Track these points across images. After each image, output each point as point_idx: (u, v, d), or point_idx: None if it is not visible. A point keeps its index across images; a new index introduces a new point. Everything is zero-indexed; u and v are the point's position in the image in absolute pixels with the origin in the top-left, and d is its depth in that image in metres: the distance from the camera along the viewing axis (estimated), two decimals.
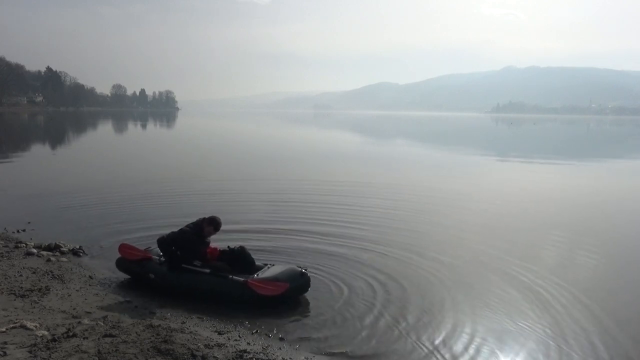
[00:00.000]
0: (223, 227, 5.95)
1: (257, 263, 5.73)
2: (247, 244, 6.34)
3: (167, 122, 68.84)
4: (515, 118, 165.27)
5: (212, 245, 5.90)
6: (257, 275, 5.37)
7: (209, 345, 4.06)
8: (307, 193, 11.91)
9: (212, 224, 5.69)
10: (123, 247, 6.01)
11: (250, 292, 5.14)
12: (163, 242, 5.66)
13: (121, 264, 5.96)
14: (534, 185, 14.41)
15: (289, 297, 5.31)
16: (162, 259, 5.73)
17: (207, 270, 5.50)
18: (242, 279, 5.25)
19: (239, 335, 4.43)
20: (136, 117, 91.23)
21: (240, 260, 5.66)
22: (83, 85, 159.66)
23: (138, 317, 4.64)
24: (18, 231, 7.89)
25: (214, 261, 5.72)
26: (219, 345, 4.09)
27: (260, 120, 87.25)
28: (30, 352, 3.66)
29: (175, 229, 5.82)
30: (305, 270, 5.50)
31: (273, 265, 5.70)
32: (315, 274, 6.03)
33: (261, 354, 4.04)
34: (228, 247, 5.86)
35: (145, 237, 7.48)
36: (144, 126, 56.72)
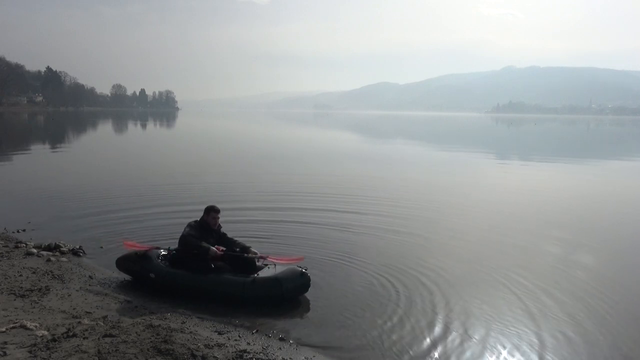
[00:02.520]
0: (226, 228, 6.07)
1: (260, 263, 5.74)
2: (248, 244, 6.34)
3: (167, 122, 68.85)
4: (515, 118, 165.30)
5: (215, 246, 5.90)
6: (257, 274, 5.38)
7: (209, 345, 4.06)
8: (308, 193, 11.90)
9: (207, 212, 5.85)
10: (127, 246, 6.10)
11: (250, 289, 5.20)
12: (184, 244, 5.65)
13: (121, 264, 5.96)
14: (536, 185, 14.41)
15: (289, 297, 5.32)
16: (163, 253, 5.85)
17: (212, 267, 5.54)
18: (259, 255, 5.64)
19: (239, 335, 4.43)
20: (136, 117, 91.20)
21: (240, 260, 5.66)
22: (83, 85, 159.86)
23: (138, 317, 4.64)
24: (18, 231, 7.89)
25: (216, 261, 5.72)
26: (219, 345, 4.09)
27: (261, 120, 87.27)
28: (30, 352, 3.66)
29: (176, 228, 5.86)
30: (306, 270, 5.50)
31: (275, 265, 5.69)
32: (316, 274, 6.02)
33: (261, 354, 4.04)
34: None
35: (146, 237, 7.48)
36: (144, 126, 56.73)
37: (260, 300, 5.21)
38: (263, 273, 5.44)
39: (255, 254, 5.69)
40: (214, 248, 5.58)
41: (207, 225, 5.81)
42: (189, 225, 5.77)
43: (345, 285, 5.90)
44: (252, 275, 5.35)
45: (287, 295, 5.29)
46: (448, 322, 4.96)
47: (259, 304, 5.17)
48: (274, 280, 5.27)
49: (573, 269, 6.76)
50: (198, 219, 5.88)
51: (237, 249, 5.77)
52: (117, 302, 5.09)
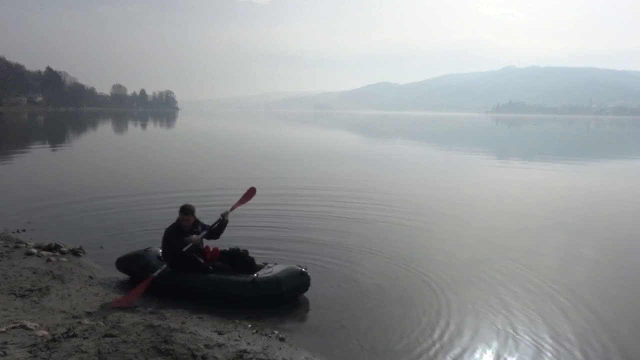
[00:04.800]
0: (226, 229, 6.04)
1: (257, 263, 5.74)
2: (248, 244, 6.36)
3: (167, 122, 68.83)
4: (515, 118, 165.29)
5: (214, 245, 5.90)
6: (257, 274, 5.38)
7: (209, 345, 4.06)
8: (309, 193, 11.90)
9: (180, 212, 5.67)
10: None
11: (250, 289, 5.18)
12: (167, 253, 5.61)
13: (121, 264, 5.96)
14: (535, 185, 14.41)
15: (288, 297, 5.32)
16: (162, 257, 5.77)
17: (211, 268, 5.53)
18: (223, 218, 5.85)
19: (239, 335, 4.43)
20: (136, 117, 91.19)
21: (239, 260, 5.66)
22: (83, 85, 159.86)
23: (138, 317, 4.64)
24: (18, 231, 7.88)
25: (214, 261, 5.72)
26: (219, 345, 4.09)
27: (261, 120, 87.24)
28: (30, 352, 3.66)
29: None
30: (305, 269, 5.50)
31: (274, 264, 5.70)
32: (316, 273, 6.02)
33: (261, 354, 4.04)
34: (229, 248, 5.87)
35: (146, 237, 7.48)
36: (144, 126, 56.73)
37: (260, 300, 5.20)
38: (262, 273, 5.43)
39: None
40: (194, 236, 5.48)
41: (180, 227, 5.64)
42: (166, 233, 5.62)
43: (345, 285, 5.90)
44: (251, 275, 5.35)
45: (287, 295, 5.29)
46: (450, 323, 4.96)
47: (259, 304, 5.17)
48: (274, 280, 5.27)
49: (574, 270, 6.77)
50: (175, 222, 5.71)
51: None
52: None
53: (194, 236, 5.48)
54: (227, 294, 5.27)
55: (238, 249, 5.75)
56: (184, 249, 5.43)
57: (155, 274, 5.39)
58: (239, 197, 6.48)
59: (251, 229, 8.21)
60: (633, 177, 18.06)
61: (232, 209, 6.12)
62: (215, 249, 5.83)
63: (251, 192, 6.60)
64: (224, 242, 6.21)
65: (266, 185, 13.22)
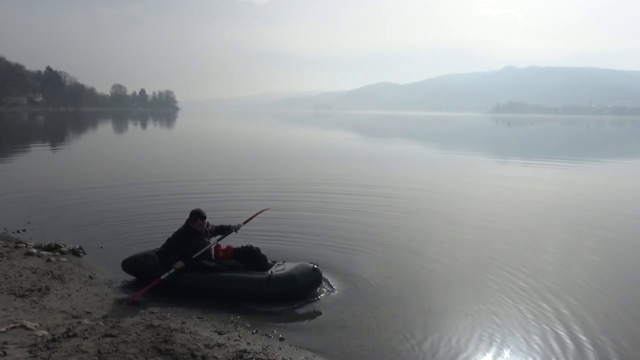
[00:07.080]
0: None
1: (269, 261, 5.78)
2: (257, 242, 6.38)
3: (167, 123, 68.81)
4: (515, 118, 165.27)
5: (227, 244, 5.92)
6: (270, 272, 5.41)
7: (209, 345, 4.06)
8: (308, 195, 11.89)
9: (193, 216, 5.64)
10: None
11: (267, 286, 5.24)
12: (161, 254, 5.59)
13: (128, 266, 5.89)
14: (534, 185, 14.39)
15: (303, 293, 5.37)
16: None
17: (223, 268, 5.57)
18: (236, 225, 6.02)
19: (239, 335, 4.43)
20: (136, 117, 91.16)
21: (253, 258, 5.69)
22: (83, 85, 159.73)
23: (138, 317, 4.64)
24: (18, 231, 7.88)
25: (227, 259, 5.74)
26: (219, 345, 4.09)
27: (262, 121, 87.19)
28: (30, 352, 3.66)
29: (175, 227, 5.81)
30: (317, 266, 5.55)
31: (283, 262, 5.75)
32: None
33: (261, 354, 4.04)
34: (242, 246, 5.90)
35: (146, 237, 7.48)
36: (144, 126, 56.71)
37: (276, 297, 5.25)
38: (276, 270, 5.48)
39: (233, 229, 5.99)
40: (179, 262, 5.43)
41: (194, 232, 5.63)
42: (169, 240, 5.59)
43: (346, 285, 5.90)
44: (266, 273, 5.40)
45: (303, 291, 5.36)
46: (453, 323, 4.96)
47: (275, 301, 5.21)
48: (290, 276, 5.33)
49: (573, 269, 6.77)
50: (183, 226, 5.68)
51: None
52: (117, 302, 5.09)
53: (179, 263, 5.43)
54: (243, 291, 5.30)
55: (251, 247, 5.81)
56: (163, 277, 5.37)
57: (163, 276, 5.38)
58: (252, 212, 6.65)
59: (252, 228, 8.20)
60: (633, 177, 18.04)
61: (245, 223, 6.21)
62: (229, 247, 5.86)
63: (265, 210, 6.85)
64: (235, 241, 6.23)
65: (266, 185, 13.23)
